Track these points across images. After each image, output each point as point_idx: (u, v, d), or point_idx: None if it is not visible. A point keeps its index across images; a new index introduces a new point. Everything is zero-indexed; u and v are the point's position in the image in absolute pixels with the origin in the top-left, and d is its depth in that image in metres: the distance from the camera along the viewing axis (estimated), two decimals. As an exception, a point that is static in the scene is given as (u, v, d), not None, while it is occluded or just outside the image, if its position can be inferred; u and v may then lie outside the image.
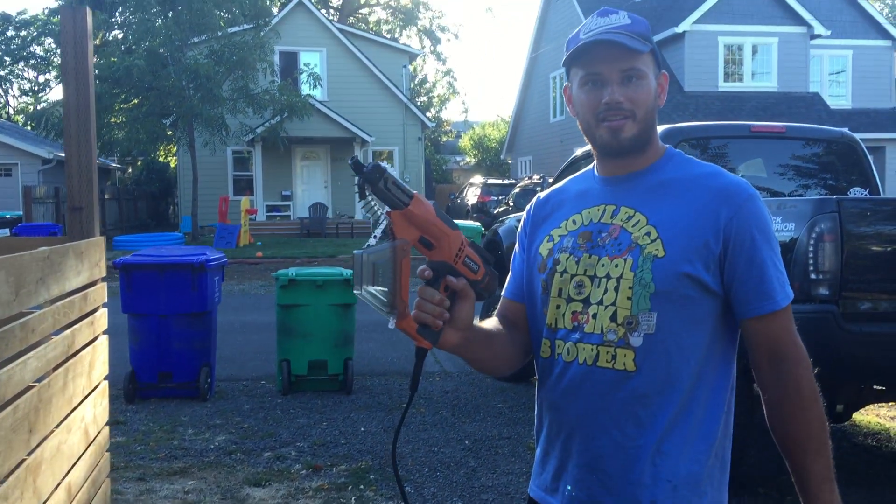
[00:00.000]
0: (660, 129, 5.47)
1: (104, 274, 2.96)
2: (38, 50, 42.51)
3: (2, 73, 43.77)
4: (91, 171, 2.92)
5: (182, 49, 20.60)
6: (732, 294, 1.57)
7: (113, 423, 5.87)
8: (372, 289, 1.40)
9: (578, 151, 6.27)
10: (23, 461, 2.02)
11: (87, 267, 2.71)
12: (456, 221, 1.57)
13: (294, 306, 6.49)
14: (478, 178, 32.84)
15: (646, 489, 1.55)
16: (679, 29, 22.48)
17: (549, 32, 28.44)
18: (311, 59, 25.67)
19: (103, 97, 21.44)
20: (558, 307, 1.63)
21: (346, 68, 26.27)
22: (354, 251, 1.42)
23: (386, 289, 1.39)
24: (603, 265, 1.59)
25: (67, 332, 2.48)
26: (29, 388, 2.09)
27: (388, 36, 38.00)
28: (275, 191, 25.90)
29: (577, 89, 1.65)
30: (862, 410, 5.76)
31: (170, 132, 22.95)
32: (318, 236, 22.98)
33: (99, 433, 2.94)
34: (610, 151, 1.64)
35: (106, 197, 24.06)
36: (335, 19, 35.50)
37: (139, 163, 35.55)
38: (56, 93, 52.20)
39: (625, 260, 1.57)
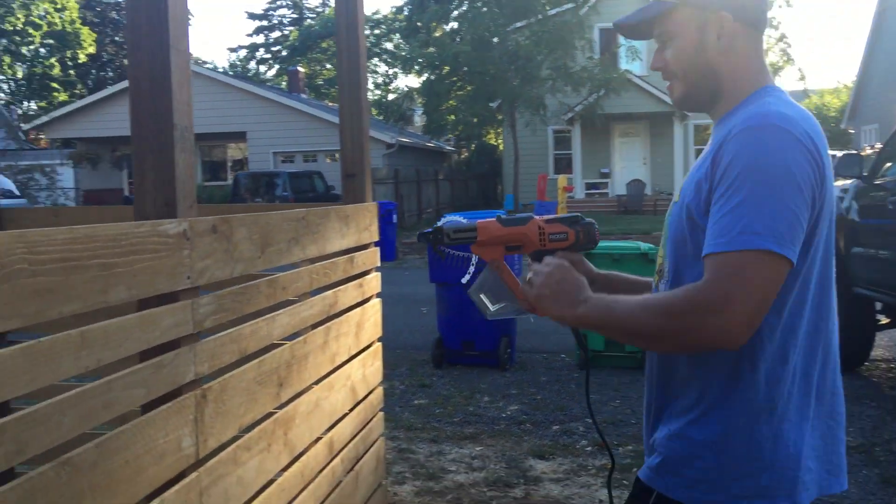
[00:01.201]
0: None
1: (375, 238, 3.07)
2: (389, 45, 46.49)
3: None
4: (362, 140, 3.02)
5: (505, 33, 21.29)
6: None
7: (419, 385, 6.26)
8: (495, 308, 1.69)
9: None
10: (271, 414, 2.13)
11: (353, 231, 2.82)
12: None
13: (591, 280, 6.35)
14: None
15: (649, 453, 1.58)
16: None
17: (905, -20, 24.97)
18: (632, 34, 25.13)
19: (436, 83, 22.97)
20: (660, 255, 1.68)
21: (668, 40, 25.34)
22: (468, 290, 1.73)
23: (506, 303, 1.68)
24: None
25: (329, 292, 2.58)
26: (278, 343, 2.19)
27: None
28: (593, 168, 25.85)
29: None
30: None
31: (500, 116, 23.91)
32: (635, 213, 22.56)
33: (371, 392, 3.05)
34: (679, 108, 1.65)
35: (440, 177, 25.78)
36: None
37: (473, 146, 37.49)
38: (401, 82, 56.62)
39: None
